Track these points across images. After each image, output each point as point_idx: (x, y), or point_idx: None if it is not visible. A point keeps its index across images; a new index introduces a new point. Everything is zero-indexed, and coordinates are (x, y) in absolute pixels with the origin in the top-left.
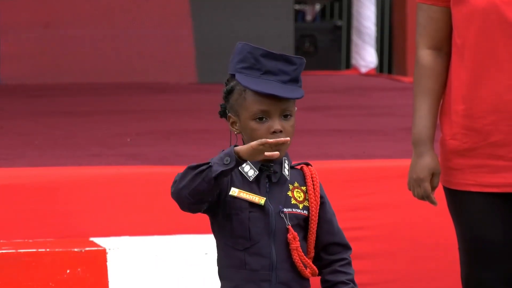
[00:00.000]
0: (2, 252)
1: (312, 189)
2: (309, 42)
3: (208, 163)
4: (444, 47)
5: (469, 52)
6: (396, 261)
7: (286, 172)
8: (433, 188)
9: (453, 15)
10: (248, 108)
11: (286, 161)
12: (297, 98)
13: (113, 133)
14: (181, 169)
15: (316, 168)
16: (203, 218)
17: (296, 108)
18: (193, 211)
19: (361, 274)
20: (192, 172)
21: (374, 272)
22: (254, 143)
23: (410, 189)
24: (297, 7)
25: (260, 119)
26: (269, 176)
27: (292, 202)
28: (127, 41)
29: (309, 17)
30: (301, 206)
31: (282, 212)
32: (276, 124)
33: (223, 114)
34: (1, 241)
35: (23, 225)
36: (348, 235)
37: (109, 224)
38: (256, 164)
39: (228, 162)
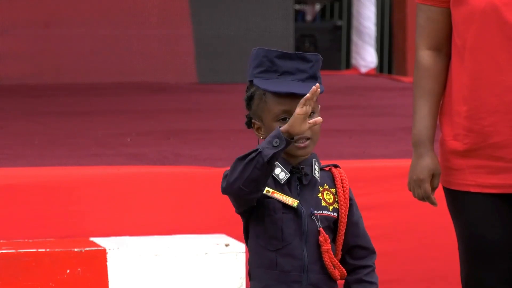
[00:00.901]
0: (2, 252)
1: (342, 191)
2: (309, 42)
3: (257, 149)
4: (444, 48)
5: (469, 53)
6: (395, 261)
7: (316, 174)
8: (433, 188)
9: (452, 16)
10: (270, 110)
11: (316, 162)
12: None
13: (113, 133)
14: (181, 169)
15: None
16: (203, 218)
17: (319, 106)
18: (248, 202)
19: None
20: (242, 162)
21: None
22: (294, 113)
23: (410, 190)
24: (297, 7)
25: (283, 119)
26: (300, 179)
27: (323, 204)
28: (127, 41)
29: (309, 17)
30: (331, 208)
31: (313, 214)
32: None
33: (249, 124)
34: (1, 241)
35: (23, 225)
36: None
37: (109, 224)
38: (287, 166)
39: (277, 144)
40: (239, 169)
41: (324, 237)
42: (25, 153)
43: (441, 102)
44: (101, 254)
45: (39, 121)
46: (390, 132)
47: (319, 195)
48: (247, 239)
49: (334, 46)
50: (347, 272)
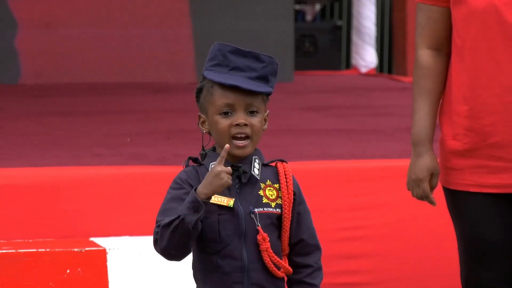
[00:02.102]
0: (2, 252)
1: (285, 186)
2: (309, 42)
3: (179, 216)
4: (444, 48)
5: (468, 52)
6: (395, 261)
7: (255, 171)
8: (432, 188)
9: (452, 16)
10: (214, 102)
11: (257, 159)
12: (262, 93)
13: (113, 133)
14: (181, 169)
15: (316, 168)
16: None
17: (268, 111)
18: (185, 256)
19: (361, 273)
20: (168, 230)
21: (374, 272)
22: (208, 174)
23: (409, 189)
24: (297, 7)
25: (226, 114)
26: (239, 177)
27: (264, 201)
28: (127, 41)
29: (309, 17)
30: (273, 204)
31: (253, 212)
32: (240, 118)
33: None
34: (1, 241)
35: (23, 225)
36: (347, 235)
37: (109, 224)
38: (226, 164)
39: (197, 209)
40: (166, 237)
41: (262, 236)
42: (25, 153)
43: (441, 101)
44: (101, 254)
45: (39, 121)
46: (390, 132)
47: (260, 192)
48: None
49: (334, 46)
50: (292, 269)
